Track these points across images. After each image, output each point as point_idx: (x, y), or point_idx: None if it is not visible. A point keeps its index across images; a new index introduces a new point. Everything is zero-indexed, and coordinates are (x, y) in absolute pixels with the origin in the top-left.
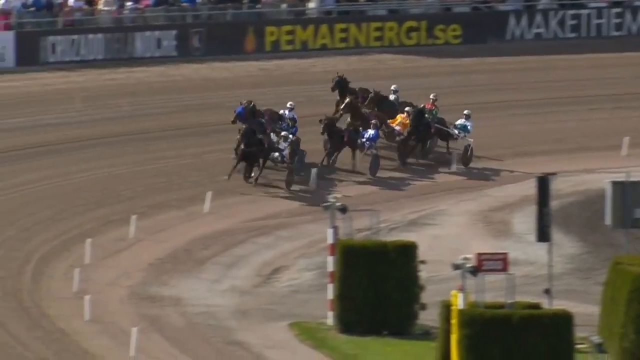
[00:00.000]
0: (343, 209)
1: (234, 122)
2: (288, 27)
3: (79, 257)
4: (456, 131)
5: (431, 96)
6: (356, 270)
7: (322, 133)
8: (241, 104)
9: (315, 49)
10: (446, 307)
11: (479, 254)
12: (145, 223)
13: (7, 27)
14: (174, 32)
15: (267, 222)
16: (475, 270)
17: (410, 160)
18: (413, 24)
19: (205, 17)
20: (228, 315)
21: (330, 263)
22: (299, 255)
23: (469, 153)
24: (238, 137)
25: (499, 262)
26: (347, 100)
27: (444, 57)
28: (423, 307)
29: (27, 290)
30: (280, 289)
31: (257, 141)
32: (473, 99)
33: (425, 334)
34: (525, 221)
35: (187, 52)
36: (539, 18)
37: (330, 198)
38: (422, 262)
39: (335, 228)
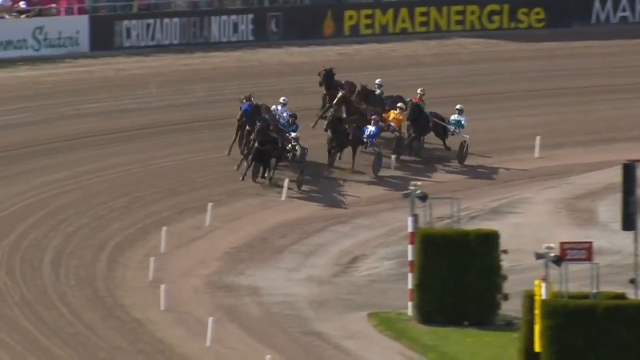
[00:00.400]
0: (423, 197)
1: (240, 120)
2: (367, 11)
3: (154, 245)
4: (451, 127)
5: (418, 91)
6: (436, 259)
7: (326, 130)
8: (245, 99)
9: (395, 33)
10: (529, 297)
11: (563, 243)
12: (221, 211)
13: (82, 11)
14: (250, 16)
15: (346, 210)
16: (558, 260)
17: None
18: (495, 7)
19: (282, 0)
20: (305, 305)
21: (410, 252)
22: (377, 244)
23: (464, 150)
24: (252, 135)
25: (583, 251)
26: (340, 94)
27: (527, 41)
28: (505, 297)
29: (101, 279)
30: (358, 278)
31: (271, 139)
32: (556, 83)
33: (508, 325)
34: (610, 209)
35: (264, 37)
36: (624, 1)
37: (410, 186)
38: (504, 251)
39: (415, 216)
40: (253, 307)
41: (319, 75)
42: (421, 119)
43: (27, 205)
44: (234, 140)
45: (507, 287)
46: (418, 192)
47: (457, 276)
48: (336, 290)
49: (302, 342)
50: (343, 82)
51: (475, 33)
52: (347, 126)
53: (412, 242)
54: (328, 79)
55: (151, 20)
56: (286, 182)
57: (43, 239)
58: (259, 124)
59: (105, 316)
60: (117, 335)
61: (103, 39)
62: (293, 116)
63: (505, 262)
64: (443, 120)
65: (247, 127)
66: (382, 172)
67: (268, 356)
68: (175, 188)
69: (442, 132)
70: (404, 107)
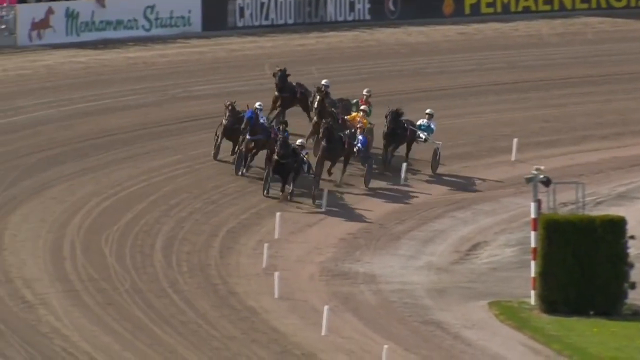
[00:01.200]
0: (546, 182)
1: (244, 129)
2: None
3: (268, 231)
4: (423, 134)
5: (364, 92)
6: (560, 246)
7: (321, 139)
8: (248, 107)
9: (518, 12)
10: None
11: None
12: (336, 196)
13: None
14: None
15: (466, 195)
16: None
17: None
18: None
19: None
20: (424, 293)
21: (532, 239)
22: (499, 230)
23: (437, 157)
24: (276, 147)
25: None
26: (319, 97)
27: None
28: (632, 286)
29: (214, 266)
30: (479, 266)
31: (291, 152)
32: None
33: (635, 315)
34: None
35: (382, 16)
36: None
37: (533, 170)
38: (632, 237)
39: (538, 202)
40: (370, 295)
41: (273, 76)
42: (399, 127)
43: (138, 189)
44: (218, 145)
45: (635, 275)
46: (541, 176)
47: (582, 264)
48: (456, 278)
49: (420, 331)
50: (295, 84)
51: (602, 12)
52: (341, 134)
53: (535, 229)
54: (283, 81)
55: (265, 0)
56: (404, 167)
57: (154, 224)
58: (280, 137)
59: (218, 304)
60: (229, 324)
61: (215, 19)
62: (284, 123)
63: (633, 249)
64: (414, 126)
65: (248, 136)
66: (493, 160)
67: (385, 346)
68: None
69: (412, 139)
70: (367, 110)
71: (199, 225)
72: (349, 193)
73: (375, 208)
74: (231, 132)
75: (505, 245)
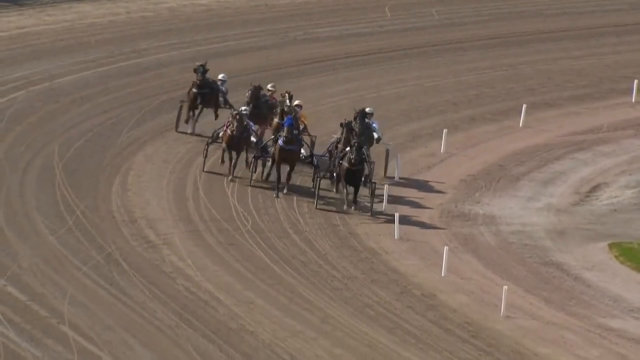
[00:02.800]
0: None
1: (286, 136)
2: None
3: (388, 173)
4: (375, 135)
5: (269, 87)
6: None
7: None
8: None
9: None
10: None
11: None
12: (456, 137)
13: None
14: None
15: (586, 136)
16: None
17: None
18: None
19: None
20: (544, 234)
21: None
22: (619, 171)
23: (388, 158)
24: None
25: None
26: (287, 93)
27: None
28: None
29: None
30: (599, 207)
31: (365, 158)
32: None
33: None
34: None
35: None
36: None
37: None
38: None
39: None
40: (489, 237)
41: (194, 71)
42: (367, 128)
43: None
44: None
45: None
46: None
47: None
48: (575, 219)
49: (540, 272)
50: (212, 80)
51: None
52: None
53: None
54: (204, 76)
55: None
56: (524, 108)
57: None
58: (354, 141)
59: (338, 245)
60: (350, 265)
61: None
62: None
63: None
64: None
65: (281, 143)
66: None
67: (505, 287)
68: (408, 113)
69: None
70: (302, 104)
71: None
72: (471, 134)
73: (495, 149)
74: (238, 141)
75: (625, 186)
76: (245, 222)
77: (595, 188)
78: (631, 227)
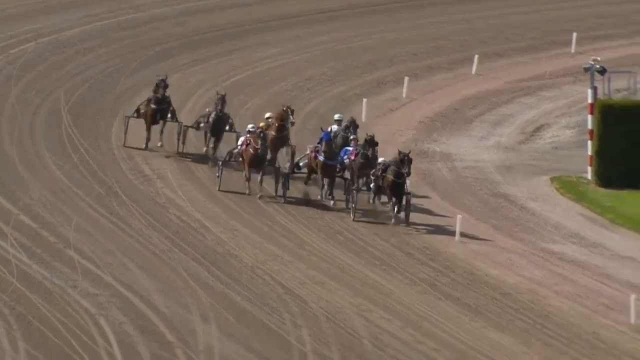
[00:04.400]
0: (602, 71)
1: (326, 152)
2: None
3: (355, 115)
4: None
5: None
6: (614, 128)
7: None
8: (322, 130)
9: None
10: None
11: None
12: (416, 84)
13: None
14: None
15: (531, 83)
16: None
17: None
18: None
19: None
20: (493, 169)
21: (589, 121)
22: (560, 114)
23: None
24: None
25: None
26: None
27: None
28: None
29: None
30: (542, 145)
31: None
32: None
33: None
34: None
35: None
36: None
37: (590, 61)
38: None
39: (594, 88)
40: (445, 172)
41: (156, 86)
42: (374, 156)
43: (245, 77)
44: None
45: None
46: (598, 66)
47: (633, 143)
48: (521, 156)
49: (490, 203)
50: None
51: None
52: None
53: (591, 113)
54: (164, 92)
55: None
56: (476, 57)
57: (257, 109)
58: (402, 152)
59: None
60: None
61: None
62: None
63: None
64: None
65: (323, 158)
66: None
67: (459, 216)
68: (374, 63)
69: None
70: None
71: (296, 110)
72: (429, 81)
73: (451, 94)
74: (259, 160)
75: (565, 127)
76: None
77: (538, 128)
78: (570, 162)
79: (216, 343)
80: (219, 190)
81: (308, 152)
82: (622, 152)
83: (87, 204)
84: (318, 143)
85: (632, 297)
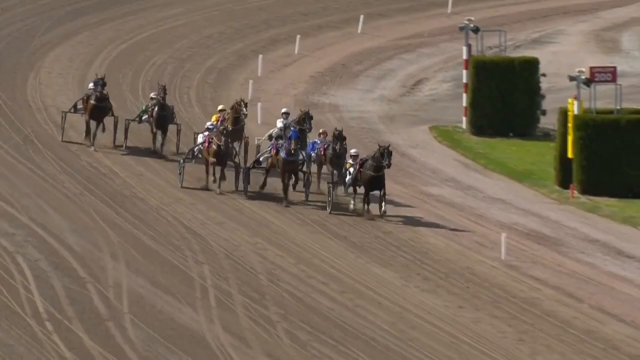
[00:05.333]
0: (475, 30)
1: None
2: None
3: (252, 70)
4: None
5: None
6: (486, 82)
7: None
8: (293, 127)
9: None
10: (563, 113)
11: (592, 67)
12: (308, 42)
13: None
14: None
15: (411, 41)
16: (588, 81)
17: None
18: None
19: None
20: (377, 119)
21: (464, 76)
22: (437, 69)
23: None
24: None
25: (609, 74)
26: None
27: None
28: (544, 112)
29: (209, 98)
30: (421, 97)
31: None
32: None
33: (545, 136)
34: (632, 39)
35: None
36: None
37: (465, 20)
38: (543, 74)
39: (469, 46)
40: (334, 122)
41: (94, 84)
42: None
43: (150, 35)
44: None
45: (545, 104)
46: (471, 25)
47: (503, 96)
48: (403, 107)
49: (374, 149)
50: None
51: None
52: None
53: (466, 68)
54: (103, 89)
55: None
56: (361, 18)
57: (162, 64)
58: (382, 146)
59: None
60: None
61: None
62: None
63: (544, 84)
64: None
65: (285, 155)
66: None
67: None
68: (268, 22)
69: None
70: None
71: (197, 65)
72: (319, 39)
73: (339, 51)
74: (223, 157)
75: (442, 81)
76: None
77: (418, 82)
78: (447, 113)
79: (124, 278)
80: (181, 187)
81: (269, 148)
82: (494, 103)
83: (5, 151)
84: (278, 137)
85: (503, 235)
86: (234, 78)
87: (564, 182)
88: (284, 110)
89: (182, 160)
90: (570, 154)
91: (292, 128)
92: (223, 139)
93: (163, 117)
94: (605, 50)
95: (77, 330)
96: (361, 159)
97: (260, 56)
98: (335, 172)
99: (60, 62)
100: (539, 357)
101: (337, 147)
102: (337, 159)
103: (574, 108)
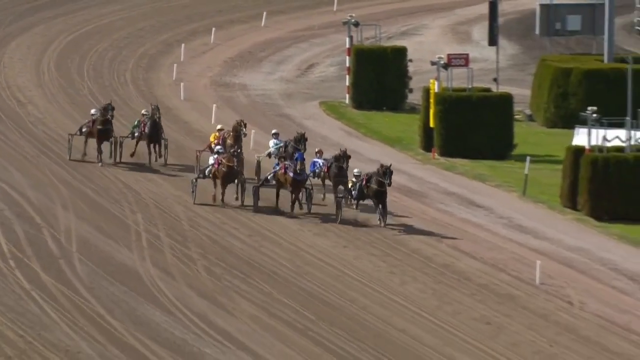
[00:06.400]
0: (356, 24)
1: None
2: None
3: (176, 56)
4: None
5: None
6: (365, 66)
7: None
8: (296, 150)
9: None
10: (426, 91)
11: (449, 54)
12: (221, 33)
13: None
14: None
15: (305, 32)
16: (446, 65)
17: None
18: None
19: None
20: (278, 96)
21: (347, 61)
22: (326, 55)
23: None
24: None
25: (463, 60)
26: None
27: None
28: (410, 91)
29: (142, 79)
30: (313, 79)
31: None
32: None
33: (412, 109)
34: (481, 32)
35: None
36: None
37: (348, 16)
38: (410, 60)
39: (351, 37)
40: (243, 98)
41: (103, 110)
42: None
43: (93, 27)
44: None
45: (412, 84)
46: (353, 20)
47: (379, 77)
48: (298, 86)
49: (276, 121)
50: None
51: None
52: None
53: (349, 55)
54: (107, 114)
55: None
56: (264, 14)
57: (103, 51)
58: (384, 165)
59: (146, 104)
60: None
61: None
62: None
63: (411, 68)
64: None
65: (292, 175)
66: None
67: (253, 130)
68: (191, 17)
69: None
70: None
71: (131, 52)
72: (231, 31)
73: (247, 41)
74: (233, 177)
75: (330, 65)
76: (82, 88)
77: (310, 66)
78: (333, 91)
79: (73, 225)
80: (194, 204)
81: (277, 168)
82: (371, 83)
83: None
84: (282, 157)
85: None
86: (162, 62)
87: (427, 146)
88: (274, 131)
89: (194, 180)
90: (432, 124)
91: (294, 148)
92: (235, 160)
93: (155, 133)
94: (460, 40)
95: (35, 266)
96: (366, 174)
97: (183, 45)
98: (341, 187)
99: (21, 49)
100: (407, 285)
101: (345, 165)
102: (343, 178)
103: (434, 87)
